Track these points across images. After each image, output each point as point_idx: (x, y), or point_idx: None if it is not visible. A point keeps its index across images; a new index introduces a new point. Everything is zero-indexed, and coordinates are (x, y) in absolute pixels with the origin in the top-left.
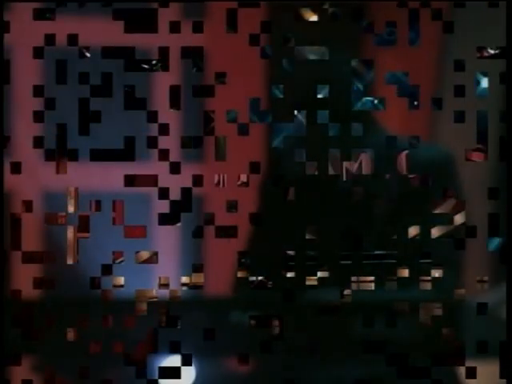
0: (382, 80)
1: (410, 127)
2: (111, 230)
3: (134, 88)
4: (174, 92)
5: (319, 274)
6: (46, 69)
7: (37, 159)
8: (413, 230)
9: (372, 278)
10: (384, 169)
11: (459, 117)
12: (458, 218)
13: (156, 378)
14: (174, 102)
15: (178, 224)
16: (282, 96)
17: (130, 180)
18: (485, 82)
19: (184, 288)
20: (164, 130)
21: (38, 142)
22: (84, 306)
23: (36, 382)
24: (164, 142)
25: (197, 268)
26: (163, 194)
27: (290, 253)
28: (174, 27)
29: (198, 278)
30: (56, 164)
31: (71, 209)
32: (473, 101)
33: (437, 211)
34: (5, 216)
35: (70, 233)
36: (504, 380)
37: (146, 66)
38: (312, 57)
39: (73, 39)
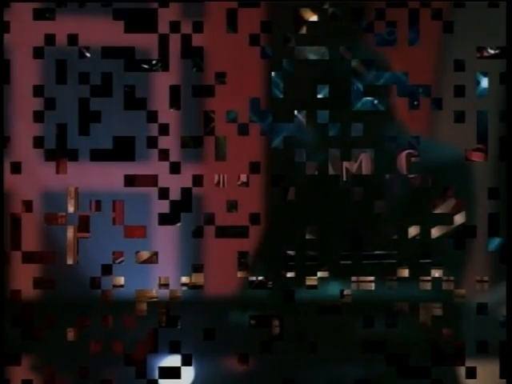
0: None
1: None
2: (111, 230)
3: (133, 88)
4: (174, 92)
5: (319, 273)
6: (45, 69)
7: (37, 159)
8: (413, 230)
9: (372, 278)
10: (390, 168)
11: (459, 117)
12: (458, 218)
13: (156, 378)
14: (174, 102)
15: (178, 224)
16: (282, 96)
17: (130, 180)
18: (485, 82)
19: (184, 288)
20: (164, 129)
21: (38, 142)
22: (84, 306)
23: (36, 382)
24: (164, 142)
25: (197, 268)
26: (163, 193)
27: (290, 253)
28: (174, 27)
29: (198, 278)
30: (56, 164)
31: (71, 209)
32: (473, 101)
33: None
34: (5, 216)
35: (70, 233)
36: (504, 380)
37: (145, 66)
38: (312, 57)
39: (73, 39)
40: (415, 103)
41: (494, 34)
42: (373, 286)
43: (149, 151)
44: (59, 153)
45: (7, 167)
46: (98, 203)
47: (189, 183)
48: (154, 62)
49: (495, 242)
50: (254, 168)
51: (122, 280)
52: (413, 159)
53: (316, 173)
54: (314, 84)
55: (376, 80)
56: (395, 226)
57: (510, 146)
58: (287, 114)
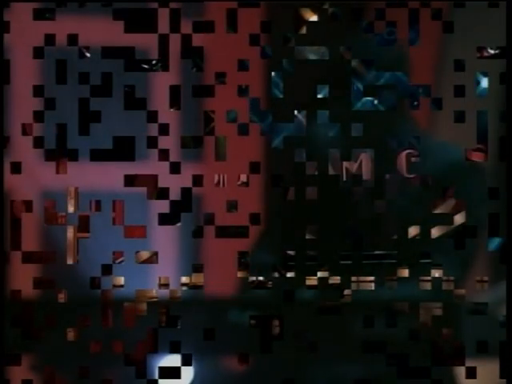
0: None
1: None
2: (111, 230)
3: (133, 88)
4: (174, 92)
5: (319, 273)
6: (45, 69)
7: (37, 159)
8: (413, 230)
9: (372, 278)
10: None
11: (459, 117)
12: (458, 218)
13: (156, 377)
14: (174, 102)
15: (178, 224)
16: (282, 96)
17: (130, 180)
18: (485, 82)
19: (184, 288)
20: (164, 129)
21: (38, 142)
22: (84, 306)
23: (36, 382)
24: (164, 142)
25: (197, 268)
26: (163, 193)
27: (290, 253)
28: (174, 27)
29: (198, 278)
30: (56, 164)
31: (71, 209)
32: (473, 101)
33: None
34: (5, 216)
35: (70, 233)
36: (504, 380)
37: (145, 66)
38: (312, 57)
39: (73, 39)
40: (415, 103)
41: (494, 33)
42: (373, 286)
43: (149, 151)
44: (59, 153)
45: (7, 167)
46: (98, 203)
47: (189, 183)
48: (153, 62)
49: (495, 242)
50: (254, 168)
51: (122, 280)
52: (413, 159)
53: (316, 173)
54: (314, 84)
55: (376, 80)
56: (395, 226)
57: (510, 146)
58: (287, 113)
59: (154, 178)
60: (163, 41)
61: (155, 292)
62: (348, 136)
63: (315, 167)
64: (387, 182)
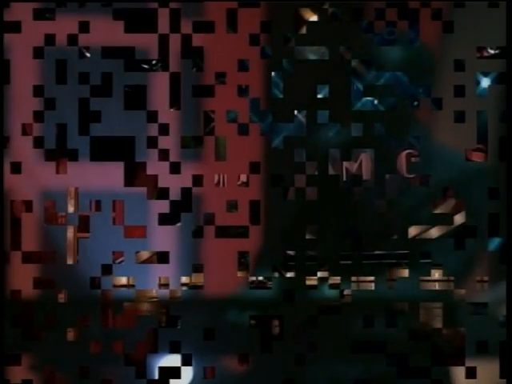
0: None
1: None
2: (111, 230)
3: (134, 88)
4: (174, 92)
5: (319, 273)
6: (45, 69)
7: (37, 159)
8: (413, 230)
9: (372, 278)
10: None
11: (459, 117)
12: (458, 218)
13: (156, 377)
14: (174, 102)
15: (178, 224)
16: (282, 96)
17: (130, 180)
18: (485, 82)
19: (184, 288)
20: (164, 129)
21: (38, 141)
22: (84, 306)
23: (36, 382)
24: (164, 142)
25: (197, 268)
26: (163, 193)
27: (290, 253)
28: (174, 27)
29: (198, 278)
30: (56, 164)
31: (71, 209)
32: (473, 101)
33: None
34: (5, 216)
35: (70, 233)
36: (504, 380)
37: (146, 66)
38: (312, 57)
39: (73, 39)
40: (415, 103)
41: (494, 33)
42: (373, 286)
43: (149, 151)
44: (59, 153)
45: (7, 167)
46: (98, 203)
47: (189, 183)
48: (153, 61)
49: (495, 241)
50: (254, 168)
51: (122, 280)
52: (413, 159)
53: (316, 173)
54: (314, 84)
55: (376, 80)
56: (395, 226)
57: (510, 146)
58: (287, 113)
59: (154, 177)
60: (163, 41)
61: (155, 292)
62: (348, 136)
63: (315, 167)
64: (387, 182)
